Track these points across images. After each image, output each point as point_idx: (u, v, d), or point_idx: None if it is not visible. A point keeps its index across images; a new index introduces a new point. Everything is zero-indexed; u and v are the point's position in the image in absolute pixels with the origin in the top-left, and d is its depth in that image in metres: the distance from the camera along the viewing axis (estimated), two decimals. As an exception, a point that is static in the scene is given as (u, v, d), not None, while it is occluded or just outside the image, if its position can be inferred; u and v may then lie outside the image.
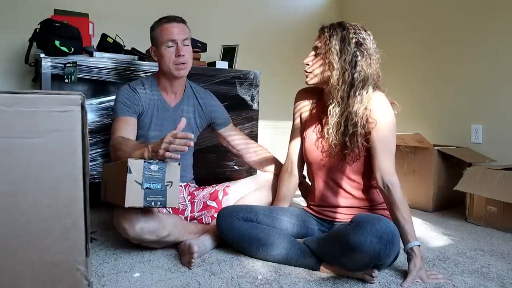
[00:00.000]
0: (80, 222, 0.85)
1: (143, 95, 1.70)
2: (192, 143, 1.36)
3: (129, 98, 1.67)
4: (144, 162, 1.28)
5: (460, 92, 2.70)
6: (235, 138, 1.93)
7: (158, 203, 1.29)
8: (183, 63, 1.67)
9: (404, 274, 1.34)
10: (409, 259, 1.32)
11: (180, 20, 1.71)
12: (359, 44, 1.40)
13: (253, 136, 2.48)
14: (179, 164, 1.34)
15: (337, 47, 1.39)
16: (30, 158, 0.81)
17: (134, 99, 1.67)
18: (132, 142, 1.56)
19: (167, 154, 1.30)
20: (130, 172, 1.25)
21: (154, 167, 1.28)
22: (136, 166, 1.26)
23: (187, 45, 1.70)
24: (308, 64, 1.48)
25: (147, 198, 1.27)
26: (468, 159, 2.32)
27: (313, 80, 1.48)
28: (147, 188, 1.27)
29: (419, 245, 1.33)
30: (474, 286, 1.30)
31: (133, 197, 1.25)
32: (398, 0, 3.19)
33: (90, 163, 2.04)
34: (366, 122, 1.40)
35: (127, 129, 1.63)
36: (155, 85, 1.75)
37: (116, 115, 1.66)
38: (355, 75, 1.38)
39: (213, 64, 2.50)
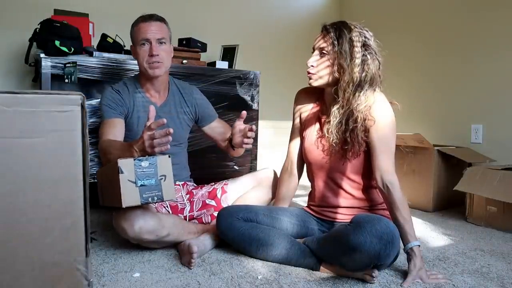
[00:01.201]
0: (80, 222, 0.85)
1: (126, 96, 1.70)
2: (171, 130, 1.30)
3: (113, 99, 1.67)
4: (134, 160, 1.28)
5: (460, 92, 2.70)
6: (221, 131, 1.87)
7: (155, 198, 1.29)
8: (157, 62, 1.65)
9: (404, 274, 1.33)
10: (409, 259, 1.32)
11: (157, 18, 1.68)
12: (366, 45, 1.39)
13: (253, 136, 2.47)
14: (169, 156, 1.34)
15: (347, 50, 1.38)
16: (30, 158, 0.81)
17: (117, 100, 1.67)
18: (119, 143, 1.55)
19: (156, 149, 1.30)
20: (122, 172, 1.25)
21: (145, 163, 1.28)
22: (127, 165, 1.26)
23: (163, 45, 1.67)
24: (312, 66, 1.45)
25: (144, 195, 1.27)
26: (468, 159, 2.32)
27: (318, 82, 1.46)
28: (141, 185, 1.27)
29: (419, 245, 1.33)
30: (474, 286, 1.30)
31: (129, 196, 1.25)
32: (398, 0, 3.20)
33: (90, 163, 2.04)
34: (365, 119, 1.40)
35: (114, 131, 1.62)
36: (139, 85, 1.74)
37: (102, 119, 1.67)
38: (363, 76, 1.38)
39: (213, 64, 2.50)
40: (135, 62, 2.16)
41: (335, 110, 1.42)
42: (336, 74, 1.41)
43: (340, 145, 1.43)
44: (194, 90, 1.88)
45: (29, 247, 0.82)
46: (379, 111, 1.40)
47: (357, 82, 1.38)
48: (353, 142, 1.40)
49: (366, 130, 1.41)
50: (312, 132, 1.54)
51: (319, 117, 1.54)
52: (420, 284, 1.29)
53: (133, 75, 1.88)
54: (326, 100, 1.53)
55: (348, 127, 1.39)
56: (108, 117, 1.64)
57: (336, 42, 1.39)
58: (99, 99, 2.05)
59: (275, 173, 1.81)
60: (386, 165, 1.39)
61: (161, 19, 1.70)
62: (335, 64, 1.40)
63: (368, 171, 1.46)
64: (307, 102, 1.61)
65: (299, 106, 1.64)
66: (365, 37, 1.40)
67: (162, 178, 1.30)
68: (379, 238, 1.17)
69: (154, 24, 1.66)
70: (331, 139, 1.43)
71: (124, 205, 1.25)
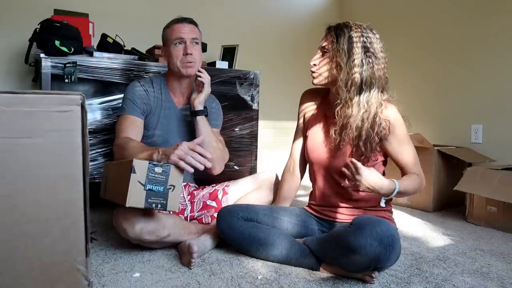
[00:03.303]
0: (80, 222, 0.85)
1: (151, 95, 1.70)
2: (210, 164, 1.37)
3: (140, 97, 1.67)
4: (149, 163, 1.27)
5: (460, 92, 2.70)
6: None
7: (159, 205, 1.29)
8: (191, 62, 1.66)
9: (405, 274, 1.33)
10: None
11: (190, 21, 1.71)
12: (366, 45, 1.38)
13: (253, 136, 2.48)
14: (183, 171, 1.34)
15: (345, 48, 1.38)
16: (30, 158, 0.81)
17: (144, 98, 1.67)
18: (140, 143, 1.56)
19: (181, 163, 1.31)
20: (134, 172, 1.24)
21: (158, 169, 1.28)
22: (140, 167, 1.26)
23: (196, 45, 1.69)
24: (315, 64, 1.47)
25: (149, 200, 1.27)
26: (468, 159, 2.33)
27: (319, 80, 1.47)
28: (149, 189, 1.27)
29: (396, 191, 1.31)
30: (474, 286, 1.30)
31: (135, 197, 1.25)
32: (398, 0, 3.20)
33: (90, 163, 2.04)
34: (382, 128, 1.38)
35: (135, 130, 1.62)
36: (164, 85, 1.75)
37: (124, 112, 1.66)
38: (364, 76, 1.37)
39: (213, 64, 2.50)
40: (135, 62, 2.18)
41: (338, 110, 1.42)
42: (335, 72, 1.41)
43: (348, 150, 1.42)
44: (213, 99, 1.88)
45: (29, 247, 0.82)
46: (394, 124, 1.39)
47: (357, 82, 1.37)
48: (366, 151, 1.39)
49: (384, 139, 1.41)
50: (316, 131, 1.54)
51: (325, 117, 1.54)
52: (421, 284, 1.29)
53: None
54: (331, 101, 1.53)
55: (361, 135, 1.38)
56: (130, 113, 1.64)
57: (335, 40, 1.40)
58: (101, 99, 2.06)
59: (276, 176, 1.81)
60: (410, 161, 1.43)
61: (194, 22, 1.72)
62: (334, 62, 1.41)
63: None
64: (312, 103, 1.61)
65: (303, 106, 1.64)
66: (367, 37, 1.39)
67: (170, 188, 1.30)
68: (379, 241, 1.17)
69: (188, 25, 1.68)
70: (338, 141, 1.42)
71: (127, 205, 1.25)
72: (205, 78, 1.67)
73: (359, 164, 1.25)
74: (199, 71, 1.68)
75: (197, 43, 1.69)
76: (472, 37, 2.64)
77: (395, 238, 1.21)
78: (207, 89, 1.68)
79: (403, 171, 1.45)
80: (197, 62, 1.69)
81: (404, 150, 1.43)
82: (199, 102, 1.65)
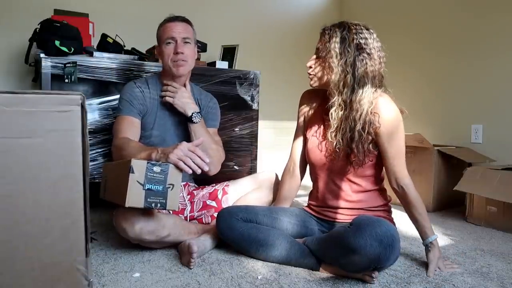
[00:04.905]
0: (80, 222, 0.85)
1: (147, 95, 1.70)
2: (207, 168, 1.37)
3: (136, 97, 1.67)
4: (147, 163, 1.27)
5: (461, 92, 2.70)
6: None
7: (159, 204, 1.29)
8: (182, 61, 1.66)
9: (405, 274, 1.33)
10: (428, 251, 1.42)
11: (183, 19, 1.71)
12: (360, 45, 1.36)
13: (253, 136, 2.48)
14: (181, 171, 1.34)
15: (337, 49, 1.37)
16: (30, 158, 0.81)
17: (140, 99, 1.67)
18: (139, 143, 1.56)
19: (180, 164, 1.31)
20: (133, 172, 1.24)
21: (156, 168, 1.28)
22: (139, 166, 1.26)
23: (188, 44, 1.68)
24: (310, 67, 1.46)
25: (148, 199, 1.27)
26: (468, 159, 2.32)
27: (316, 83, 1.46)
28: (148, 189, 1.27)
29: (437, 237, 1.43)
30: (474, 286, 1.30)
31: (134, 197, 1.25)
32: (398, 0, 3.20)
33: (90, 163, 2.04)
34: (372, 127, 1.37)
35: (132, 130, 1.62)
36: (159, 84, 1.75)
37: (120, 113, 1.66)
38: (356, 77, 1.36)
39: (213, 64, 2.50)
40: (135, 62, 2.18)
41: (332, 112, 1.41)
42: (328, 73, 1.41)
43: (344, 152, 1.41)
44: (212, 100, 1.87)
45: (29, 247, 0.82)
46: (385, 117, 1.37)
47: (349, 83, 1.36)
48: (358, 153, 1.38)
49: (374, 139, 1.40)
50: (315, 133, 1.54)
51: (323, 118, 1.54)
52: (421, 284, 1.29)
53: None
54: (328, 102, 1.52)
55: (354, 137, 1.37)
56: (127, 114, 1.64)
57: (328, 43, 1.39)
58: (101, 99, 2.06)
59: (276, 176, 1.81)
60: (399, 169, 1.42)
61: (187, 21, 1.72)
62: (326, 63, 1.40)
63: (370, 174, 1.45)
64: (311, 103, 1.61)
65: (303, 107, 1.64)
66: (361, 36, 1.37)
67: (169, 187, 1.30)
68: (379, 242, 1.17)
69: (180, 24, 1.68)
70: (334, 144, 1.42)
71: (126, 205, 1.25)
72: (170, 98, 1.66)
73: (430, 274, 1.37)
74: (163, 90, 1.68)
75: (188, 42, 1.68)
76: (473, 37, 2.64)
77: (395, 238, 1.21)
78: (177, 103, 1.66)
79: (390, 177, 1.44)
80: (188, 61, 1.68)
81: (393, 145, 1.39)
82: (184, 111, 1.65)
